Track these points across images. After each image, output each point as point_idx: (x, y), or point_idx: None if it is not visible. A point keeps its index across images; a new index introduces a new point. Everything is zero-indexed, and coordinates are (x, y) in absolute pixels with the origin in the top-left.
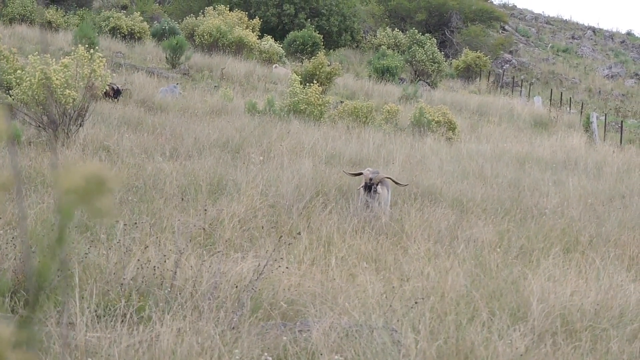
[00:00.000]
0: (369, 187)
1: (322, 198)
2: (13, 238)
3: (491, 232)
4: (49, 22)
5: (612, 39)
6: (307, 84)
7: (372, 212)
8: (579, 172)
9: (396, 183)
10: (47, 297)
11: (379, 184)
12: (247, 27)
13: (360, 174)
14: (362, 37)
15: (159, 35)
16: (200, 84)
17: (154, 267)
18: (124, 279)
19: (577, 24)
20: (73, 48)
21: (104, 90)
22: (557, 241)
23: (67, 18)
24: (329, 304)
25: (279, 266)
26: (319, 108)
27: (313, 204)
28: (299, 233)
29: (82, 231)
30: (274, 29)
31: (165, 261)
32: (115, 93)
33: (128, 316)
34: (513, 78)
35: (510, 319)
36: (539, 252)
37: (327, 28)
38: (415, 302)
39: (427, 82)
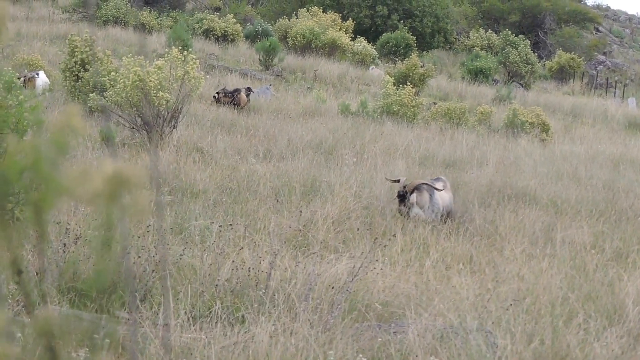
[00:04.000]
0: (402, 195)
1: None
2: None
3: (586, 233)
4: (143, 24)
5: None
6: (401, 85)
7: (414, 219)
8: None
9: (433, 187)
10: (143, 298)
11: (414, 191)
12: (340, 29)
13: (399, 180)
14: (455, 38)
15: (252, 37)
16: (294, 86)
17: (249, 268)
18: (218, 280)
19: None
20: (167, 50)
21: (214, 96)
22: None
23: (161, 20)
24: (424, 306)
25: (374, 268)
26: (412, 109)
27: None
28: (394, 235)
29: (177, 233)
30: (367, 31)
31: (260, 262)
32: (232, 98)
33: (223, 317)
34: (607, 79)
35: (606, 320)
36: (634, 254)
37: (420, 29)
38: (511, 304)
39: (520, 84)
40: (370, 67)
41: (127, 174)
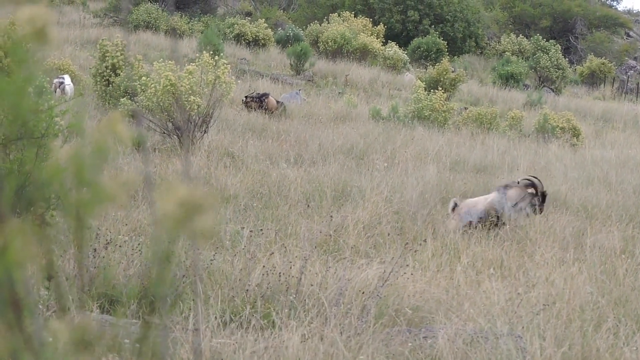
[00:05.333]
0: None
1: (447, 204)
2: (139, 244)
3: (616, 238)
4: (174, 29)
5: None
6: (432, 90)
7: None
8: None
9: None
10: (173, 303)
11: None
12: (371, 34)
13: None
14: (486, 43)
15: (283, 42)
16: (324, 90)
17: (279, 273)
18: (249, 285)
19: None
20: (198, 55)
21: (243, 100)
22: None
23: (192, 25)
24: (454, 311)
25: (404, 273)
26: (443, 114)
27: (438, 210)
28: (425, 240)
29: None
30: (398, 36)
31: (290, 267)
32: (260, 103)
33: (253, 322)
34: (637, 84)
35: (636, 325)
36: None
37: (451, 34)
38: (541, 309)
39: (551, 89)
40: (405, 74)
41: (201, 200)
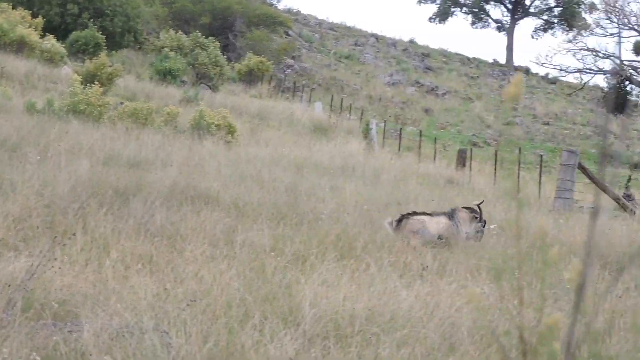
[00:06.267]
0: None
1: (99, 199)
2: None
3: (266, 236)
4: None
5: (394, 46)
6: (88, 84)
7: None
8: (357, 178)
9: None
10: None
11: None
12: (30, 26)
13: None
14: (145, 38)
15: None
16: None
17: None
18: None
19: (361, 30)
20: None
21: None
22: (332, 246)
23: None
24: (101, 305)
25: (52, 266)
26: (99, 109)
27: (89, 204)
28: (74, 234)
29: None
30: (57, 29)
31: None
32: None
33: None
34: (294, 83)
35: (282, 322)
36: (313, 256)
37: (110, 29)
38: (187, 305)
39: (208, 86)
40: (62, 67)
41: None
